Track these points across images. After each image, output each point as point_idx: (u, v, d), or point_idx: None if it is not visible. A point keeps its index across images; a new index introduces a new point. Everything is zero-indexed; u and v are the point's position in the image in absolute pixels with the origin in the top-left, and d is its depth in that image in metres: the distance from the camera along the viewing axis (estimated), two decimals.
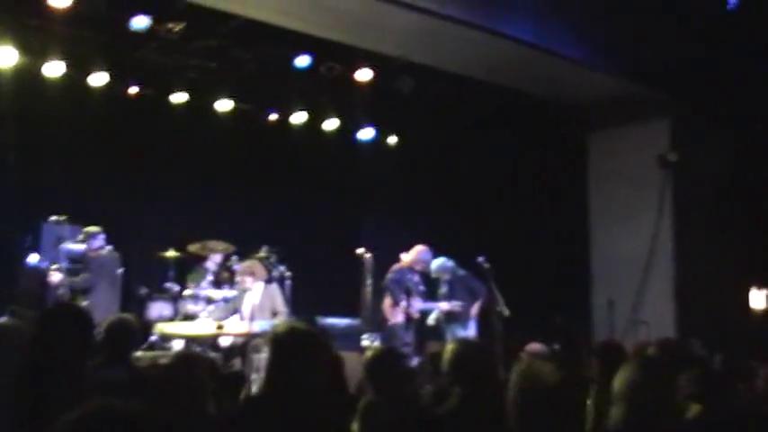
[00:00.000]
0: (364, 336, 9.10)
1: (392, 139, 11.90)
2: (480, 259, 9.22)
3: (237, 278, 9.13)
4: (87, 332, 2.77)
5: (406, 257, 9.28)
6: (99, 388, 2.74)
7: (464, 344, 3.92)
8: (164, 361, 6.82)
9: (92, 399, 1.09)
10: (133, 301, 9.59)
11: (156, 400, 2.63)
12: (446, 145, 11.51)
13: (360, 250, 9.46)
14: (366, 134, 11.45)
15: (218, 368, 3.62)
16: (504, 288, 9.18)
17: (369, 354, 5.14)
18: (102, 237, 8.91)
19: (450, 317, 9.35)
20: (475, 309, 9.38)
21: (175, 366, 2.89)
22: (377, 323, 9.28)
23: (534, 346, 7.07)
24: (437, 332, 9.38)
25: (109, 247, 9.00)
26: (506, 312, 9.00)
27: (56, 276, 8.50)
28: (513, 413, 3.03)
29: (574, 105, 11.37)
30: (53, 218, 8.78)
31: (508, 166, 11.64)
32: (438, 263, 9.45)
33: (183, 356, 3.45)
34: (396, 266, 9.28)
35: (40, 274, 8.78)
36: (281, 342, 2.81)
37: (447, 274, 9.44)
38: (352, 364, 6.47)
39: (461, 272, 9.48)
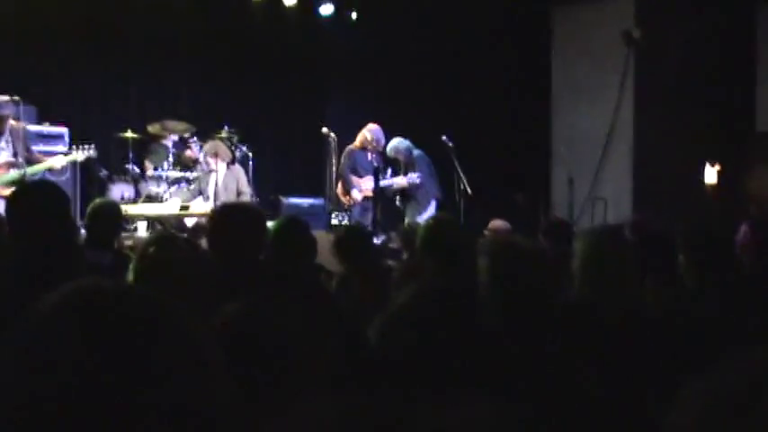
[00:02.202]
0: (333, 215, 9.16)
1: (353, 15, 11.63)
2: (444, 138, 9.22)
3: (201, 159, 9.06)
4: (66, 208, 2.75)
5: (357, 138, 9.25)
6: (85, 271, 2.74)
7: (438, 220, 3.99)
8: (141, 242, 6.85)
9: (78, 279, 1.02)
10: (93, 183, 9.48)
11: (142, 281, 2.64)
12: (406, 20, 11.30)
13: (324, 130, 9.39)
14: (326, 10, 11.19)
15: (197, 246, 3.65)
16: (466, 166, 9.24)
17: (338, 231, 5.22)
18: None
19: (405, 196, 9.37)
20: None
21: (157, 246, 2.90)
22: (341, 203, 9.33)
23: (497, 223, 7.21)
24: (398, 211, 9.45)
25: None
26: (469, 190, 9.09)
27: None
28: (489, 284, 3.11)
29: None
30: (5, 98, 8.51)
31: (470, 42, 11.50)
32: (392, 144, 9.34)
33: (162, 236, 3.46)
34: (347, 149, 9.24)
35: None
36: (213, 215, 3.23)
37: (401, 155, 9.35)
38: (320, 242, 6.55)
39: (417, 151, 9.40)
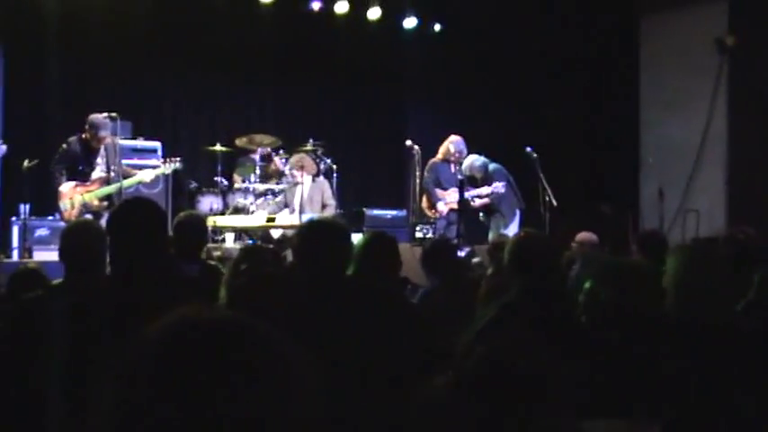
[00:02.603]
0: (417, 228, 9.16)
1: (437, 27, 11.66)
2: (528, 149, 9.12)
3: (287, 172, 9.19)
4: (164, 223, 2.84)
5: (440, 150, 9.23)
6: (174, 283, 2.81)
7: (527, 235, 3.92)
8: (230, 254, 7.02)
9: (176, 307, 1.03)
10: (183, 196, 9.73)
11: (236, 298, 2.71)
12: (491, 32, 11.26)
13: (408, 142, 9.42)
14: (410, 23, 11.25)
15: (283, 258, 3.72)
16: (551, 177, 9.12)
17: (425, 244, 5.22)
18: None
19: (490, 210, 9.28)
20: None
21: (248, 262, 2.96)
22: (424, 216, 9.32)
23: (584, 235, 7.05)
24: (482, 224, 9.37)
25: None
26: (554, 202, 8.96)
27: None
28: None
29: None
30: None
31: (556, 52, 11.38)
32: (467, 162, 9.23)
33: (251, 252, 3.53)
34: (430, 162, 9.23)
35: None
36: (300, 232, 3.21)
37: (477, 171, 9.26)
38: (402, 254, 6.56)
39: (493, 165, 9.30)
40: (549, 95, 11.47)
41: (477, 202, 9.17)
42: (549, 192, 8.94)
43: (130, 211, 2.84)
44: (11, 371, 2.52)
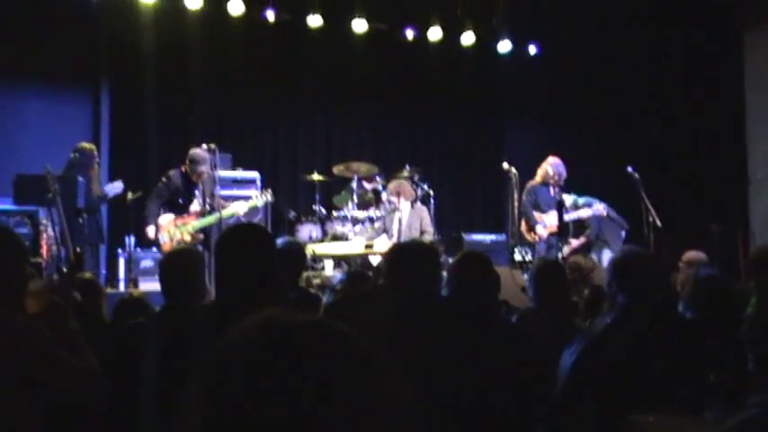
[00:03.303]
0: (516, 250, 9.02)
1: (532, 50, 11.55)
2: (629, 170, 8.87)
3: (385, 198, 9.22)
4: (271, 249, 2.84)
5: (538, 173, 9.08)
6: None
7: (627, 253, 3.79)
8: (329, 282, 7.07)
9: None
10: (282, 224, 9.87)
11: (331, 312, 2.69)
12: (588, 51, 11.06)
13: (505, 165, 9.31)
14: (504, 46, 11.17)
15: (380, 285, 3.69)
16: (655, 197, 8.84)
17: (536, 264, 5.10)
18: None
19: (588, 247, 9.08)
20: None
21: (348, 285, 2.95)
22: (524, 238, 9.17)
23: (692, 254, 6.79)
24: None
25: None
26: (658, 223, 8.67)
27: None
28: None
29: (728, 1, 10.66)
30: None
31: (658, 69, 11.09)
32: None
33: (353, 274, 3.52)
34: (529, 185, 9.09)
35: None
36: (387, 256, 3.23)
37: (569, 209, 9.06)
38: (503, 278, 6.45)
39: (583, 199, 9.08)
40: (651, 114, 11.18)
41: (575, 243, 8.99)
42: (653, 212, 8.66)
43: (234, 237, 2.85)
44: (111, 394, 2.56)
